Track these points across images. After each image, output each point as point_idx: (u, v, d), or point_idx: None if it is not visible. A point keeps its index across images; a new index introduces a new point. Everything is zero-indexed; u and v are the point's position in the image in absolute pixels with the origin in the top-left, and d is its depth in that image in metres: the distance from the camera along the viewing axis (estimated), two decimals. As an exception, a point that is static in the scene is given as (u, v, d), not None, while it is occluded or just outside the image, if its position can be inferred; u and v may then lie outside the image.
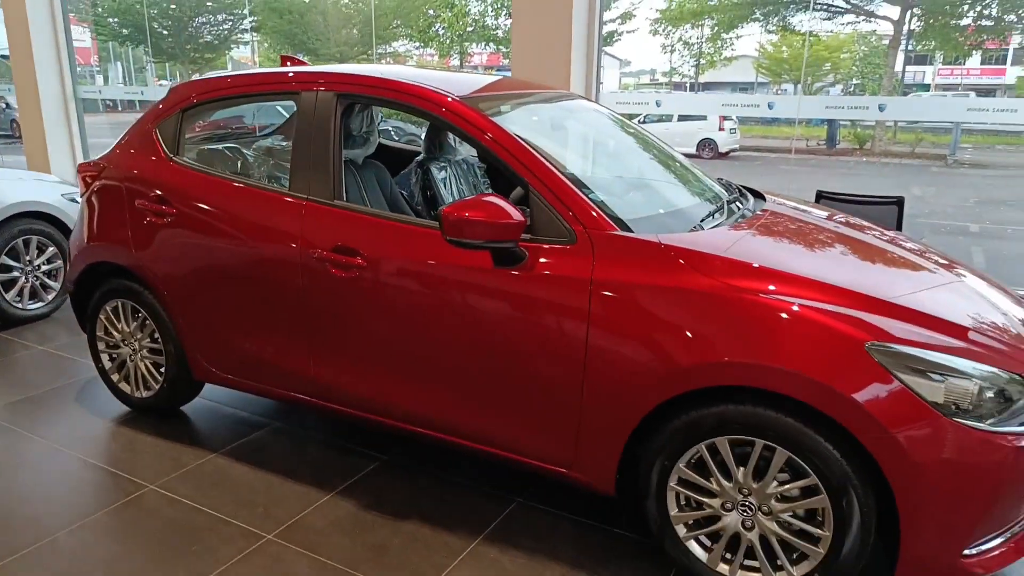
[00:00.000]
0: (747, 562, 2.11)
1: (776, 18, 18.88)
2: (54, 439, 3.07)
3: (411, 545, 2.39)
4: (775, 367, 1.90)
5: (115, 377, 3.30)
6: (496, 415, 2.37)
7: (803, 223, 2.66)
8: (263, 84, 2.93)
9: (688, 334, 2.00)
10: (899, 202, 3.70)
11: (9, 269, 4.38)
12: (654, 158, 3.14)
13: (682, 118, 17.43)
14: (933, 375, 1.84)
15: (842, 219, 2.87)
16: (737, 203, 2.76)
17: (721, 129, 17.68)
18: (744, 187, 3.07)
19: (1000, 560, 1.97)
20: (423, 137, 3.47)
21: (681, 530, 2.17)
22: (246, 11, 18.61)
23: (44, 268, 4.57)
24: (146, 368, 3.19)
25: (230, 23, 18.98)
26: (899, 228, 3.72)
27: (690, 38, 20.68)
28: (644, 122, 16.90)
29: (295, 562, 2.29)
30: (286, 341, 2.71)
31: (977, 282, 2.44)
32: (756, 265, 2.08)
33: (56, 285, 4.64)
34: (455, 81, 2.73)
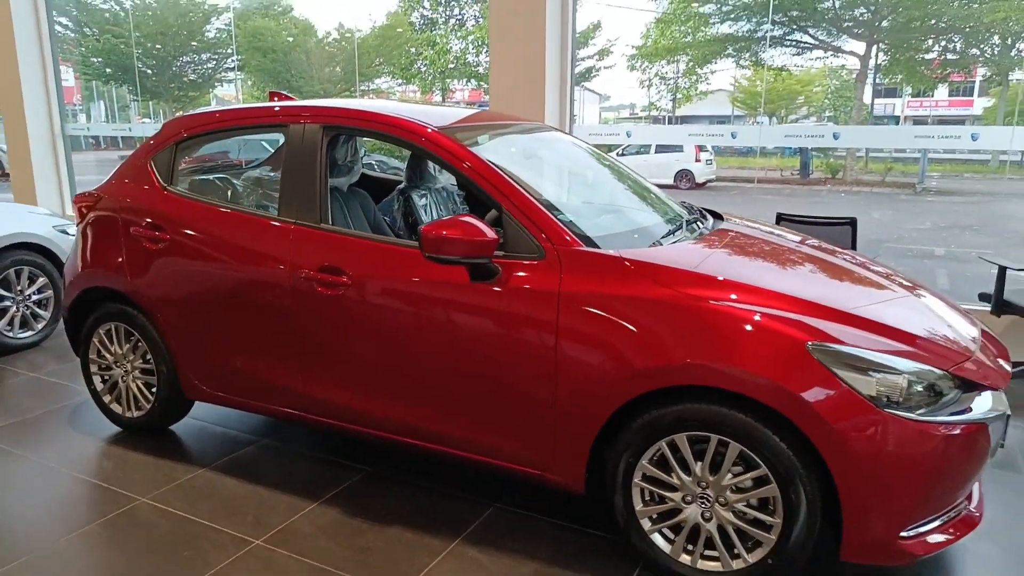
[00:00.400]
0: (707, 552, 2.27)
1: (748, 54, 19.54)
2: (47, 458, 3.18)
3: (394, 547, 2.52)
4: (725, 367, 2.08)
5: (107, 398, 3.42)
6: (475, 422, 2.52)
7: (754, 239, 2.87)
8: (253, 118, 3.13)
9: (647, 339, 2.19)
10: (852, 223, 3.95)
11: (1, 299, 4.49)
12: (621, 183, 3.36)
13: (660, 149, 17.88)
14: (866, 371, 2.04)
15: (792, 237, 3.09)
16: (697, 223, 2.98)
17: (697, 160, 18.12)
18: (705, 209, 3.29)
19: (938, 539, 2.14)
20: (405, 167, 3.67)
21: (646, 523, 2.33)
22: (230, 50, 18.93)
23: (35, 298, 4.69)
24: (137, 388, 3.32)
25: (214, 62, 19.30)
26: (853, 247, 3.96)
27: (666, 73, 21.31)
28: (623, 154, 17.34)
29: (284, 564, 2.42)
30: (275, 358, 2.86)
31: (929, 299, 2.62)
32: (707, 275, 2.27)
33: (46, 314, 4.76)
34: (434, 113, 2.94)
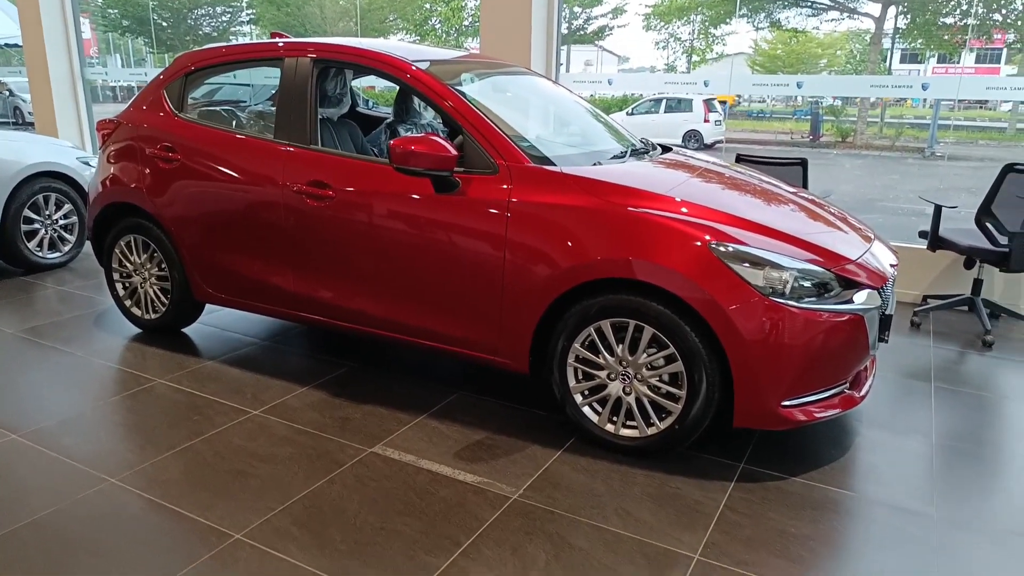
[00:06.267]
0: (627, 422, 2.70)
1: (763, 14, 19.48)
2: (76, 350, 3.67)
3: (369, 418, 2.98)
4: (639, 261, 2.48)
5: (128, 303, 3.89)
6: (438, 314, 2.95)
7: (689, 165, 3.24)
8: (253, 52, 3.52)
9: (578, 239, 2.59)
10: (803, 163, 4.29)
11: (31, 221, 4.96)
12: (587, 118, 3.73)
13: (668, 110, 18.00)
14: (756, 266, 2.43)
15: (730, 168, 3.46)
16: (645, 152, 3.35)
17: (706, 121, 18.11)
18: (658, 143, 3.66)
19: (818, 410, 2.55)
20: (393, 102, 4.05)
21: (578, 398, 2.76)
22: (244, 3, 19.12)
23: (61, 222, 5.16)
24: (154, 293, 3.78)
25: (229, 15, 19.52)
26: (804, 186, 4.31)
27: (681, 34, 21.26)
28: (632, 114, 17.47)
29: (275, 427, 2.89)
30: (271, 262, 3.30)
31: (850, 230, 2.97)
32: (632, 187, 2.66)
33: (72, 238, 5.23)
34: (421, 52, 3.32)
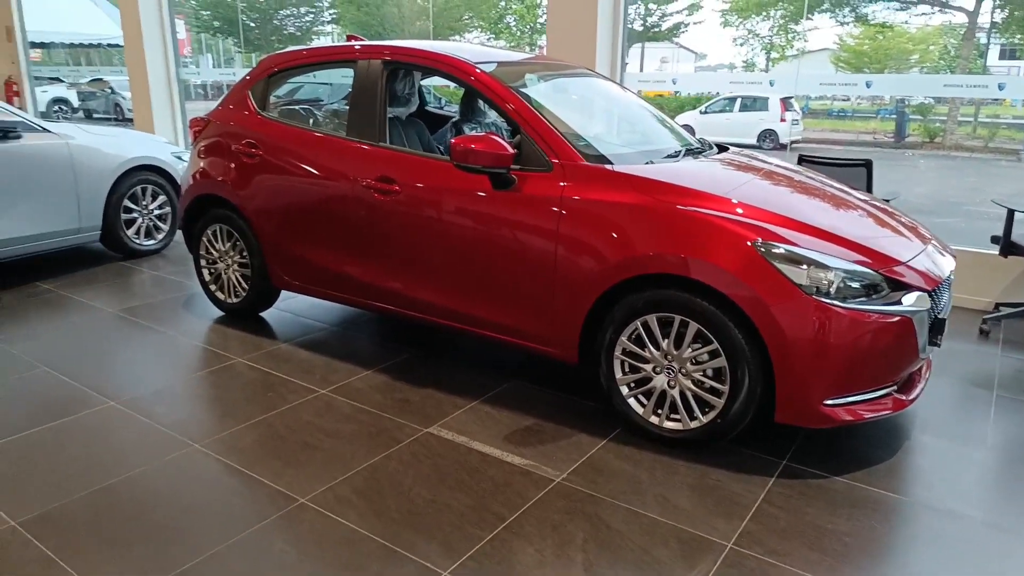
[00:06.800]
0: (671, 415, 2.79)
1: (847, 8, 18.77)
2: (167, 328, 4.02)
3: (427, 400, 3.17)
4: (685, 258, 2.56)
5: (212, 287, 4.22)
6: (495, 305, 3.10)
7: (742, 164, 3.28)
8: (330, 55, 3.77)
9: (626, 236, 2.69)
10: (867, 165, 4.23)
11: (130, 211, 5.41)
12: (646, 119, 3.81)
13: (743, 108, 17.58)
14: (802, 266, 2.48)
15: (788, 168, 3.47)
16: (700, 152, 3.42)
17: (783, 120, 17.52)
18: (715, 143, 3.71)
19: (865, 411, 2.57)
20: (459, 102, 4.24)
21: (624, 390, 2.86)
22: (326, 3, 19.83)
23: (157, 212, 5.59)
24: (236, 279, 4.09)
25: (312, 15, 20.33)
26: (869, 189, 4.25)
27: (759, 30, 20.69)
28: (706, 112, 17.18)
29: (340, 406, 3.11)
30: (341, 252, 3.53)
31: (912, 234, 2.96)
32: (681, 186, 2.74)
33: (166, 227, 5.67)
34: (486, 54, 3.48)
